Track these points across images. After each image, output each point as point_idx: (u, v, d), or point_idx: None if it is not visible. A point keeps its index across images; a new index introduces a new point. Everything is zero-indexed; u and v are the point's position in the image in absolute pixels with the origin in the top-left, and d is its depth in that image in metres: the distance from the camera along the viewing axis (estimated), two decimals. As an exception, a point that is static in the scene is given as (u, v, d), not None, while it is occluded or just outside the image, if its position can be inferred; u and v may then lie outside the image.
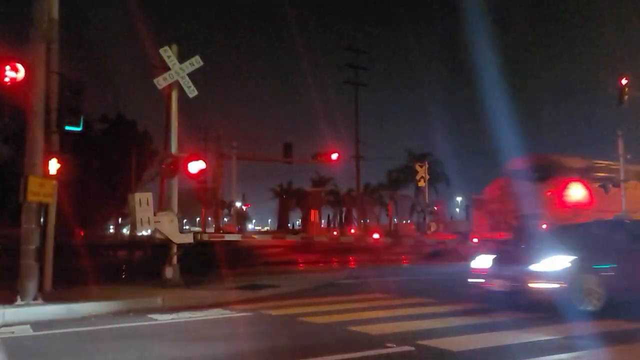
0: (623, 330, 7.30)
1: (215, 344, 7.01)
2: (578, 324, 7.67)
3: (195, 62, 13.78)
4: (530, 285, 8.78)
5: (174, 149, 13.86)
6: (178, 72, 13.51)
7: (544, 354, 5.87)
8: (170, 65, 13.51)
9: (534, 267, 8.90)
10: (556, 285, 8.52)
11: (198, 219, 52.27)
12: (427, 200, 34.62)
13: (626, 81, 26.89)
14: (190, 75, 13.72)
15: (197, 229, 40.69)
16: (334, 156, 30.68)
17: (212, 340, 7.26)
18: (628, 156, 27.90)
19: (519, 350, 6.11)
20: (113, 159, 35.55)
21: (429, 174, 33.65)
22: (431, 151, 49.83)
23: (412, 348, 6.25)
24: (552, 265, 8.72)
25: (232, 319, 9.00)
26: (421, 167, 33.53)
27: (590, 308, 8.47)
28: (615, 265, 8.98)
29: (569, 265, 8.69)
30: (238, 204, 47.58)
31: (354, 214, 57.31)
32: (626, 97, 26.62)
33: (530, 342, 6.59)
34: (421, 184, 33.57)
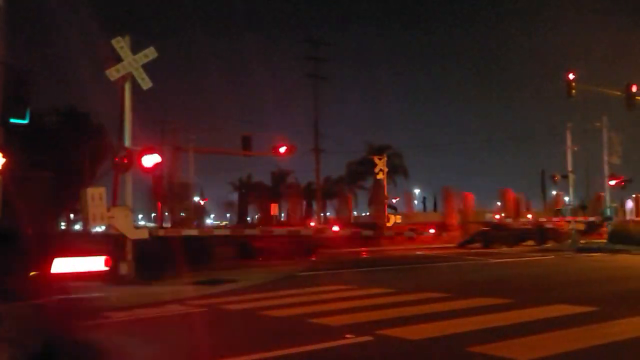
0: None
1: (169, 341, 6.88)
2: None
3: (150, 53, 13.45)
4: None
5: (128, 142, 13.49)
6: (131, 63, 13.15)
7: (500, 339, 6.04)
8: (123, 56, 13.14)
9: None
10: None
11: (154, 214, 51.24)
12: (386, 193, 35.00)
13: (573, 76, 27.94)
14: (144, 66, 13.39)
15: (153, 224, 39.91)
16: (294, 149, 30.60)
17: (166, 338, 7.12)
18: (575, 148, 29.02)
19: (475, 337, 6.26)
20: (65, 153, 34.32)
21: (387, 167, 34.00)
22: (391, 144, 50.40)
23: (371, 338, 6.31)
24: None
25: (188, 315, 8.85)
26: (380, 159, 33.85)
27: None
28: None
29: None
30: (196, 199, 46.89)
31: (314, 206, 57.43)
32: (573, 90, 27.67)
33: (488, 328, 6.77)
34: (380, 176, 33.91)
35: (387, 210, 34.43)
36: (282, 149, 28.99)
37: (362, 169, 50.99)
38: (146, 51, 13.42)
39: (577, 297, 9.30)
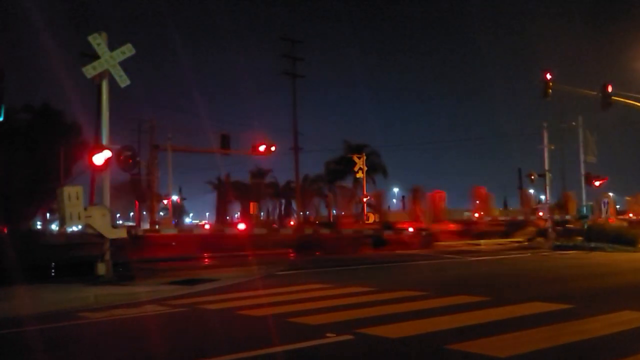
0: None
1: (148, 342, 6.80)
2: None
3: (127, 50, 13.27)
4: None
5: (105, 140, 13.30)
6: (108, 60, 12.96)
7: (478, 337, 6.11)
8: (100, 53, 12.95)
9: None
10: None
11: (132, 213, 50.59)
12: (365, 191, 35.12)
13: (550, 76, 28.39)
14: (122, 64, 13.20)
15: (131, 223, 39.40)
16: (273, 148, 30.51)
17: (144, 338, 7.04)
18: (552, 147, 29.51)
19: (453, 334, 6.32)
20: (39, 151, 33.62)
21: (366, 165, 34.14)
22: (369, 142, 50.57)
23: (351, 336, 6.33)
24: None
25: (167, 315, 8.75)
26: (359, 158, 33.97)
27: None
28: None
29: None
30: (174, 197, 46.45)
31: (294, 205, 57.37)
32: (550, 90, 28.11)
33: (466, 325, 6.84)
34: (359, 175, 34.03)
35: (366, 209, 34.59)
36: (262, 148, 28.92)
37: (340, 168, 51.07)
38: (123, 48, 13.22)
39: (553, 295, 9.46)
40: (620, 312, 7.63)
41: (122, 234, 13.46)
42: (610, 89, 29.98)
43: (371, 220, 32.26)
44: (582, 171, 28.01)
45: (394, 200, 63.34)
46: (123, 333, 7.43)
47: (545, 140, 29.10)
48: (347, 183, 52.31)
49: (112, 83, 13.30)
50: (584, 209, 28.07)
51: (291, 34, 47.48)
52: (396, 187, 64.85)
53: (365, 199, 34.39)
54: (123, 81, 13.19)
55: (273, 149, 31.20)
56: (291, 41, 42.08)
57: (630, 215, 39.04)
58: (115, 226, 14.12)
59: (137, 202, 42.42)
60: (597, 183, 27.93)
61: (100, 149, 12.99)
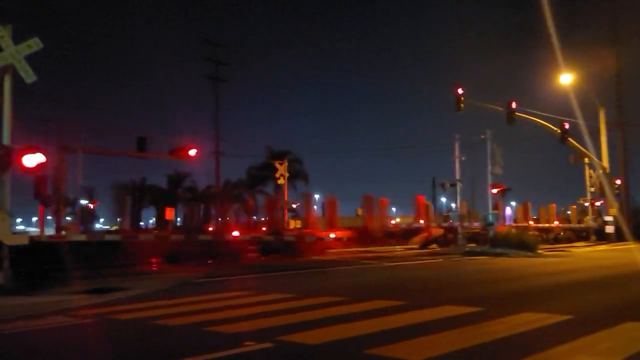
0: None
1: (49, 357, 6.35)
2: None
3: (34, 44, 12.46)
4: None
5: (6, 140, 12.37)
6: (13, 54, 12.12)
7: (395, 341, 6.26)
8: (3, 46, 12.08)
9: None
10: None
11: (35, 218, 47.34)
12: (286, 198, 35.14)
13: (462, 91, 29.98)
14: (28, 59, 12.39)
15: (35, 229, 36.84)
16: (192, 152, 29.81)
17: (47, 353, 6.56)
18: (463, 158, 31.12)
19: (371, 339, 6.44)
20: None
21: (288, 172, 34.21)
22: (291, 149, 50.79)
23: (271, 344, 6.26)
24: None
25: (74, 326, 8.20)
26: (281, 164, 33.99)
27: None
28: None
29: None
30: (84, 202, 44.00)
31: (213, 211, 56.19)
32: (462, 104, 29.67)
33: (384, 330, 6.99)
34: (281, 181, 34.03)
35: (288, 215, 34.63)
36: (192, 152, 28.13)
37: (262, 174, 50.84)
38: (30, 42, 12.41)
39: (464, 298, 9.92)
40: (523, 314, 8.13)
41: (24, 240, 12.55)
42: (514, 105, 32.18)
43: (292, 226, 32.32)
44: (489, 181, 29.76)
45: (315, 207, 63.86)
46: (20, 348, 6.88)
47: (457, 152, 30.64)
48: (269, 189, 52.15)
49: (17, 79, 12.47)
50: (490, 216, 29.81)
51: (218, 38, 46.75)
52: (317, 194, 65.45)
53: (294, 205, 34.39)
54: (29, 77, 12.37)
55: (193, 153, 30.41)
56: (215, 44, 41.47)
57: (531, 222, 41.94)
58: (15, 232, 13.14)
59: (41, 207, 39.70)
60: (494, 190, 29.78)
61: (34, 150, 12.16)
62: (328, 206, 36.16)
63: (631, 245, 31.82)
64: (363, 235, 31.88)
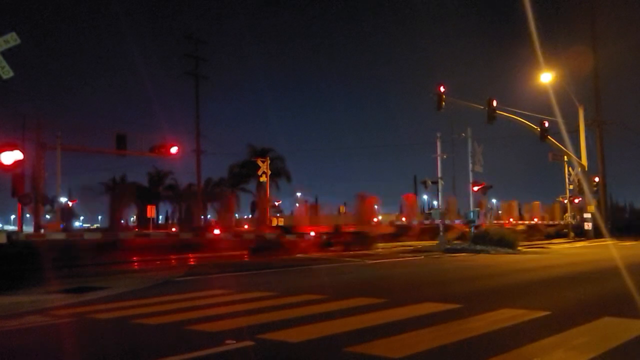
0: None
1: (27, 358, 6.26)
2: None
3: (11, 39, 12.19)
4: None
5: (-18, 136, 12.12)
6: (-12, 49, 11.84)
7: (376, 338, 6.30)
8: (-22, 40, 11.79)
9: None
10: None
11: (13, 216, 46.52)
12: (268, 196, 35.07)
13: (443, 89, 30.20)
14: (5, 54, 12.14)
15: (13, 227, 36.21)
16: (174, 149, 29.60)
17: (23, 354, 6.46)
18: (445, 156, 31.35)
19: (352, 337, 6.46)
20: None
21: (270, 170, 34.13)
22: (273, 147, 50.72)
23: (252, 342, 6.25)
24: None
25: (52, 326, 8.09)
26: (263, 162, 33.89)
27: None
28: None
29: None
30: (63, 200, 43.36)
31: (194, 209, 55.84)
32: (443, 102, 29.90)
33: (364, 327, 7.02)
34: (263, 179, 33.94)
35: (270, 212, 34.56)
36: (174, 149, 27.93)
37: (244, 172, 50.67)
38: (7, 37, 12.14)
39: (444, 295, 10.01)
40: (501, 310, 8.24)
41: (1, 239, 12.33)
42: (494, 103, 32.54)
43: (274, 223, 32.27)
44: (470, 179, 30.03)
45: (297, 205, 63.86)
46: (-1, 348, 6.77)
47: (439, 150, 30.83)
48: (251, 187, 51.98)
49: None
50: (471, 214, 30.09)
51: (198, 34, 46.33)
52: (299, 192, 65.48)
53: (277, 203, 34.35)
54: (6, 73, 12.11)
55: (174, 150, 30.24)
56: (195, 41, 41.14)
57: (511, 220, 42.48)
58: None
59: (19, 205, 39.05)
60: (475, 188, 30.10)
61: (11, 147, 11.95)
62: (307, 206, 36.30)
63: (608, 242, 32.46)
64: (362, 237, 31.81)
